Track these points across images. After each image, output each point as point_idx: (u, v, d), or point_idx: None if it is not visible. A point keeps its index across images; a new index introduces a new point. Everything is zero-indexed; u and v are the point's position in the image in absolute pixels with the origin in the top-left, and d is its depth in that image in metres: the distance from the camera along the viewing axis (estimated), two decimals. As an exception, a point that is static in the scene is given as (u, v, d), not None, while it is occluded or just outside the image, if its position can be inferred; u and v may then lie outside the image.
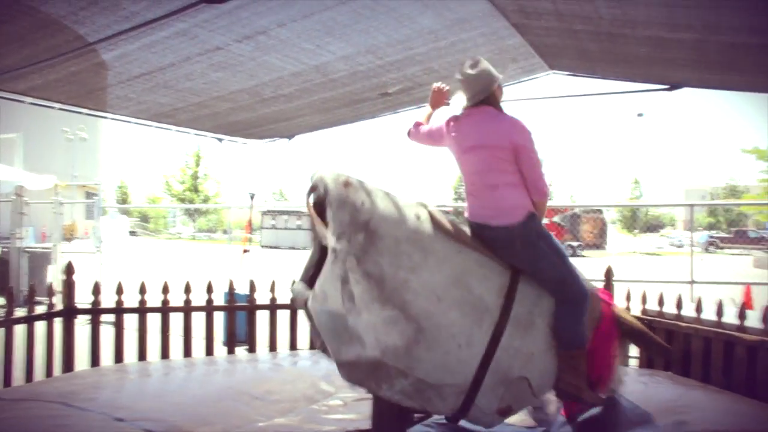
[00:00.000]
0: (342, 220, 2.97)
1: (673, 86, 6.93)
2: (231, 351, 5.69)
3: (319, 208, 3.16)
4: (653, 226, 37.40)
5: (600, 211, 35.64)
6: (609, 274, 5.66)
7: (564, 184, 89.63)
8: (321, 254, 3.21)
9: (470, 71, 3.45)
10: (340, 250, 2.94)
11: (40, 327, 5.08)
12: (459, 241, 3.18)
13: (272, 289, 5.83)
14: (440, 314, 2.98)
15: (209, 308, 5.64)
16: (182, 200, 49.68)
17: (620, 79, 7.46)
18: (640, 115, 51.27)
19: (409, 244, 2.99)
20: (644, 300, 5.45)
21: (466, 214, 3.52)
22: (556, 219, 35.57)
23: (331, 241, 2.99)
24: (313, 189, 3.18)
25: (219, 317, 5.90)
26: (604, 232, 35.88)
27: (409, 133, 4.02)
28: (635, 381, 4.63)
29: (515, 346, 3.13)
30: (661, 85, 7.10)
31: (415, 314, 2.94)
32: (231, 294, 5.76)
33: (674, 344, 4.98)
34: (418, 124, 3.96)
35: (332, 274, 2.97)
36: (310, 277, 3.23)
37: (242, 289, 6.35)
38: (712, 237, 38.56)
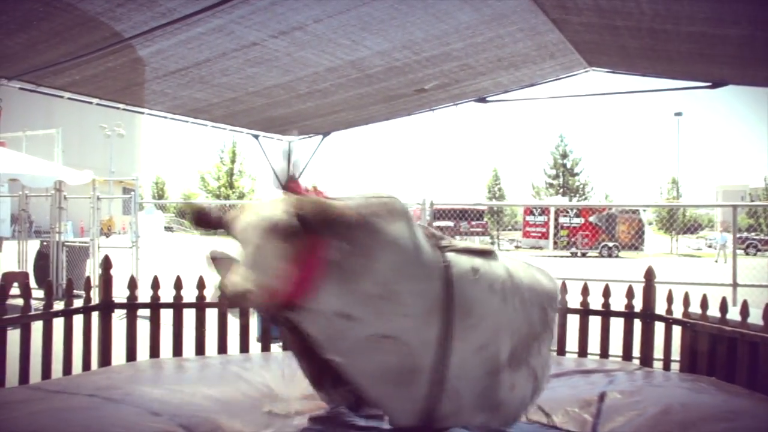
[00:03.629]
0: None
1: (716, 84, 6.76)
2: (266, 348, 5.68)
3: None
4: (691, 228, 36.70)
5: (637, 212, 35.10)
6: (650, 274, 5.53)
7: (600, 183, 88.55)
8: None
9: None
10: None
11: (78, 320, 5.13)
12: None
13: (307, 287, 5.78)
14: None
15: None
16: (217, 196, 50.08)
17: (661, 76, 7.31)
18: (678, 114, 50.35)
19: None
20: (686, 302, 5.31)
21: None
22: (592, 219, 35.16)
23: None
24: None
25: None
26: (641, 232, 35.33)
27: None
28: (677, 386, 4.51)
29: None
30: (703, 82, 6.92)
31: None
32: (265, 291, 5.73)
33: (718, 349, 4.85)
34: None
35: None
36: None
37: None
38: (750, 238, 37.66)
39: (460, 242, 3.29)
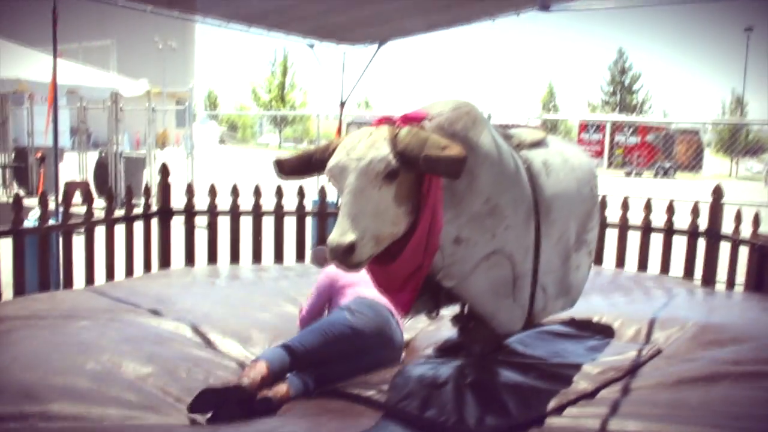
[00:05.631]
0: None
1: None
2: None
3: None
4: (753, 150, 35.36)
5: (696, 132, 33.89)
6: (718, 193, 5.33)
7: (659, 101, 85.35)
8: None
9: None
10: None
11: (138, 227, 5.22)
12: None
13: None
14: None
15: (300, 213, 5.65)
16: (269, 109, 50.19)
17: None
18: (748, 29, 47.71)
19: None
20: (756, 222, 5.10)
21: None
22: (649, 138, 34.17)
23: None
24: None
25: (310, 223, 5.93)
26: (700, 154, 34.18)
27: None
28: (740, 306, 4.39)
29: None
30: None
31: None
32: (322, 200, 5.74)
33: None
34: None
35: None
36: None
37: (334, 197, 6.36)
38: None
39: (521, 134, 3.18)
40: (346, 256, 2.21)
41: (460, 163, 2.23)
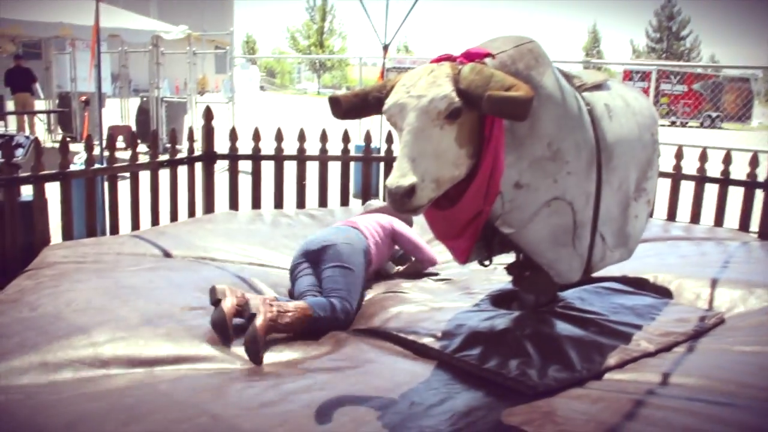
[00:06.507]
0: None
1: None
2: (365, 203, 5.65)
3: None
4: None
5: (747, 80, 32.59)
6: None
7: (708, 48, 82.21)
8: None
9: None
10: None
11: (182, 172, 5.18)
12: None
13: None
14: None
15: (345, 158, 5.55)
16: (307, 55, 49.73)
17: None
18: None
19: None
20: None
21: None
22: (696, 86, 33.03)
23: None
24: None
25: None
26: (750, 103, 32.90)
27: None
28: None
29: None
30: None
31: None
32: (367, 145, 5.63)
33: None
34: None
35: None
36: None
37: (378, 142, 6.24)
38: None
39: (583, 75, 3.00)
40: (405, 200, 2.09)
41: (526, 105, 2.07)
